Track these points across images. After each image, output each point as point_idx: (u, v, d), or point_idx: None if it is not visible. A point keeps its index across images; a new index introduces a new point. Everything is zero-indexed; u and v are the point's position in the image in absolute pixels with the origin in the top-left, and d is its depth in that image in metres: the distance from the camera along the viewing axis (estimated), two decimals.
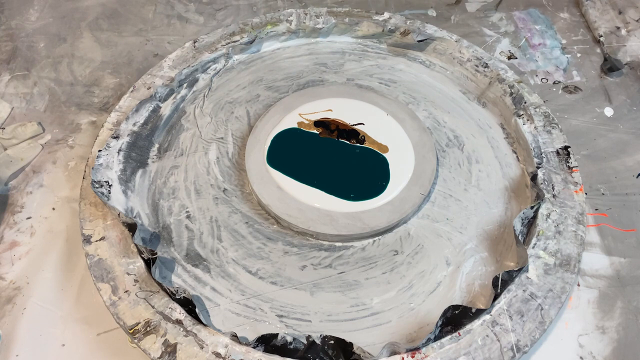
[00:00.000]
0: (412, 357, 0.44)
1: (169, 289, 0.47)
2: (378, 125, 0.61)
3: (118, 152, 0.58)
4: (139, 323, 0.46)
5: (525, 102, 0.62)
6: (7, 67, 0.73)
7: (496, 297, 0.48)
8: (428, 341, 0.44)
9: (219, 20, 0.79)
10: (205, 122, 0.64)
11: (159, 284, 0.48)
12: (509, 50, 0.73)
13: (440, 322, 0.45)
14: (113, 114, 0.62)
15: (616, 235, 0.55)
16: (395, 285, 0.51)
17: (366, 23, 0.72)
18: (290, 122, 0.62)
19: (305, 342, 0.45)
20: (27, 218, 0.57)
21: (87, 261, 0.50)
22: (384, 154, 0.59)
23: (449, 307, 0.45)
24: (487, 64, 0.66)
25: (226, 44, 0.70)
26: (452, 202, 0.57)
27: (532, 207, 0.53)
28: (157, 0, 0.82)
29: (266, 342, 0.45)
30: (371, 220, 0.54)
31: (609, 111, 0.66)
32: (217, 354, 0.44)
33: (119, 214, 0.52)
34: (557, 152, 0.58)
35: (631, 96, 0.68)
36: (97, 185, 0.54)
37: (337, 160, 0.59)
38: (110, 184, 0.55)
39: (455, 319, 0.46)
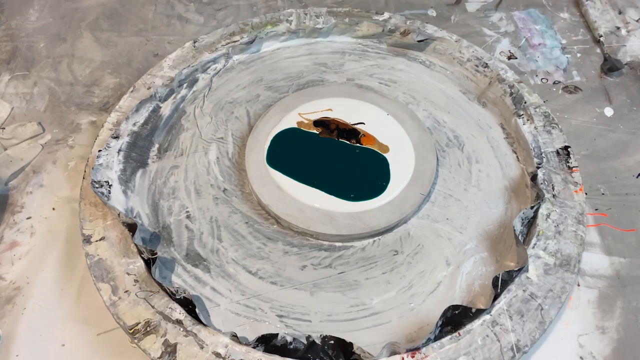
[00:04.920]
0: (412, 357, 0.44)
1: (169, 289, 0.47)
2: (378, 125, 0.61)
3: (118, 152, 0.58)
4: (139, 323, 0.46)
5: (525, 102, 0.62)
6: (7, 67, 0.73)
7: (496, 297, 0.48)
8: (428, 341, 0.44)
9: (219, 20, 0.79)
10: (205, 122, 0.64)
11: (159, 284, 0.48)
12: (509, 50, 0.73)
13: (440, 322, 0.45)
14: (113, 114, 0.62)
15: (616, 235, 0.55)
16: (395, 285, 0.51)
17: (366, 23, 0.72)
18: (290, 122, 0.62)
19: (305, 342, 0.45)
20: (27, 218, 0.57)
21: (87, 261, 0.50)
22: (384, 154, 0.59)
23: (449, 307, 0.45)
24: (487, 64, 0.66)
25: (226, 44, 0.70)
26: (452, 202, 0.57)
27: (532, 207, 0.53)
28: (157, 0, 0.82)
29: (266, 342, 0.45)
30: (371, 220, 0.54)
31: (609, 111, 0.66)
32: (217, 354, 0.44)
33: (119, 214, 0.52)
34: (557, 152, 0.58)
35: (631, 96, 0.68)
36: (97, 185, 0.54)
37: (337, 160, 0.59)
38: (110, 184, 0.55)
39: (455, 319, 0.46)
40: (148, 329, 0.46)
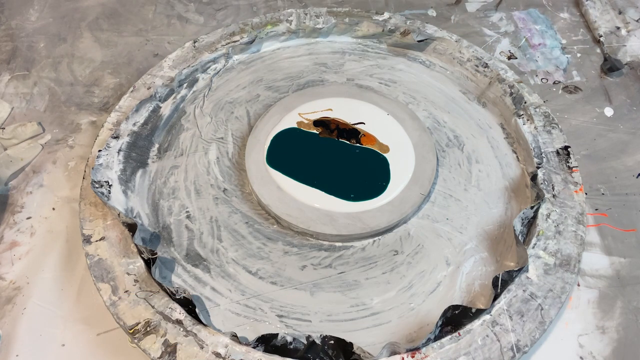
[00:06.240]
0: (412, 357, 0.44)
1: (169, 289, 0.47)
2: (378, 125, 0.61)
3: (118, 152, 0.58)
4: (139, 323, 0.46)
5: (525, 102, 0.62)
6: (7, 67, 0.73)
7: (496, 297, 0.48)
8: (428, 341, 0.44)
9: (219, 20, 0.79)
10: (205, 122, 0.64)
11: (159, 284, 0.48)
12: (509, 50, 0.73)
13: (440, 322, 0.45)
14: (113, 114, 0.62)
15: (616, 235, 0.55)
16: (395, 285, 0.51)
17: (366, 23, 0.72)
18: (290, 122, 0.62)
19: (305, 342, 0.45)
20: (27, 218, 0.57)
21: (87, 261, 0.50)
22: (384, 154, 0.59)
23: (449, 307, 0.45)
24: (487, 64, 0.66)
25: (226, 44, 0.70)
26: (452, 202, 0.57)
27: (532, 207, 0.53)
28: (157, 0, 0.82)
29: (266, 342, 0.45)
30: (371, 220, 0.54)
31: (609, 111, 0.66)
32: (217, 354, 0.44)
33: (119, 214, 0.52)
34: (557, 152, 0.58)
35: (631, 96, 0.68)
36: (97, 185, 0.54)
37: (337, 160, 0.59)
38: (110, 184, 0.55)
39: (455, 319, 0.46)
40: (148, 329, 0.46)
